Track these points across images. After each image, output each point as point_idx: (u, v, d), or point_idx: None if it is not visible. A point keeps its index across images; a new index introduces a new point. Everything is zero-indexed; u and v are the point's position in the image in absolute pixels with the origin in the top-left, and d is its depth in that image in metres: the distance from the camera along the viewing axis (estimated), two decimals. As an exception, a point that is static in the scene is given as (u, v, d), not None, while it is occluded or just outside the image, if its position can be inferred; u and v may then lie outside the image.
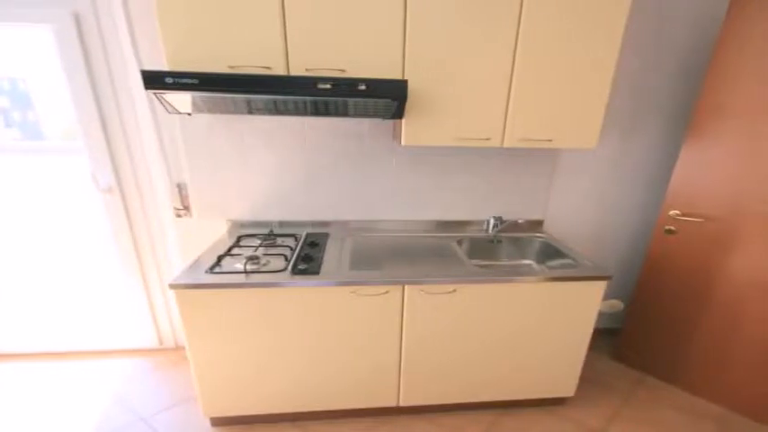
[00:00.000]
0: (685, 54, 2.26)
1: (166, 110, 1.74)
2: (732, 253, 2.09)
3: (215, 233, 2.29)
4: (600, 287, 1.91)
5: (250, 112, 1.82)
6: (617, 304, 2.84)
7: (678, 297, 2.31)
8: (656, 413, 2.23)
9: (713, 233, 2.12)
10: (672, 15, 2.17)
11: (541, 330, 1.98)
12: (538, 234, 2.44)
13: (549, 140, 1.92)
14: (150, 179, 2.23)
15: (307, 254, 1.94)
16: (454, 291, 1.83)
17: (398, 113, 1.78)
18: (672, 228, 2.23)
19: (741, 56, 1.90)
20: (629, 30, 2.10)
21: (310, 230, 2.33)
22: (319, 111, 1.80)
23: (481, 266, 2.10)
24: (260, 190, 2.25)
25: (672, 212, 2.21)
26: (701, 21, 2.19)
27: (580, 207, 2.56)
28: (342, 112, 1.82)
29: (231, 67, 1.63)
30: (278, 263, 1.86)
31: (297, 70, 1.67)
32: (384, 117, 1.88)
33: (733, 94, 1.95)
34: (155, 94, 1.59)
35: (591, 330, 2.01)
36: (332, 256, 1.98)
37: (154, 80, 1.49)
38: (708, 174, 2.09)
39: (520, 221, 2.44)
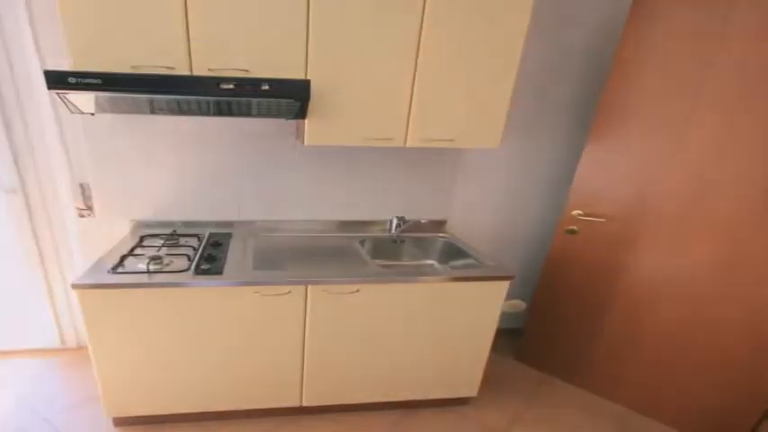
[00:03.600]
0: (589, 55, 2.48)
1: (69, 110, 1.87)
2: (634, 252, 2.28)
3: (118, 233, 2.41)
4: (503, 287, 2.10)
5: (153, 112, 1.96)
6: (519, 304, 3.05)
7: (580, 297, 2.50)
8: (559, 413, 2.43)
9: (615, 233, 2.30)
10: (575, 16, 2.38)
11: (444, 330, 2.17)
12: (441, 234, 2.64)
13: (451, 140, 2.11)
14: (53, 179, 2.37)
15: (210, 254, 2.09)
16: (357, 291, 2.00)
17: (301, 113, 1.93)
18: (574, 228, 2.41)
19: (642, 56, 2.06)
20: (532, 31, 2.22)
21: (214, 230, 2.47)
22: (222, 111, 1.96)
23: (384, 266, 2.24)
24: (163, 190, 2.40)
25: (574, 212, 2.38)
26: (604, 22, 2.41)
27: (484, 207, 2.77)
28: (245, 112, 1.97)
29: (134, 68, 1.76)
30: (181, 263, 1.99)
31: (200, 70, 1.80)
32: (287, 117, 2.03)
33: (634, 95, 2.13)
34: (57, 94, 1.70)
35: (494, 330, 2.20)
36: (235, 256, 2.13)
37: (57, 80, 1.61)
38: (609, 174, 2.27)
39: (423, 221, 2.63)
